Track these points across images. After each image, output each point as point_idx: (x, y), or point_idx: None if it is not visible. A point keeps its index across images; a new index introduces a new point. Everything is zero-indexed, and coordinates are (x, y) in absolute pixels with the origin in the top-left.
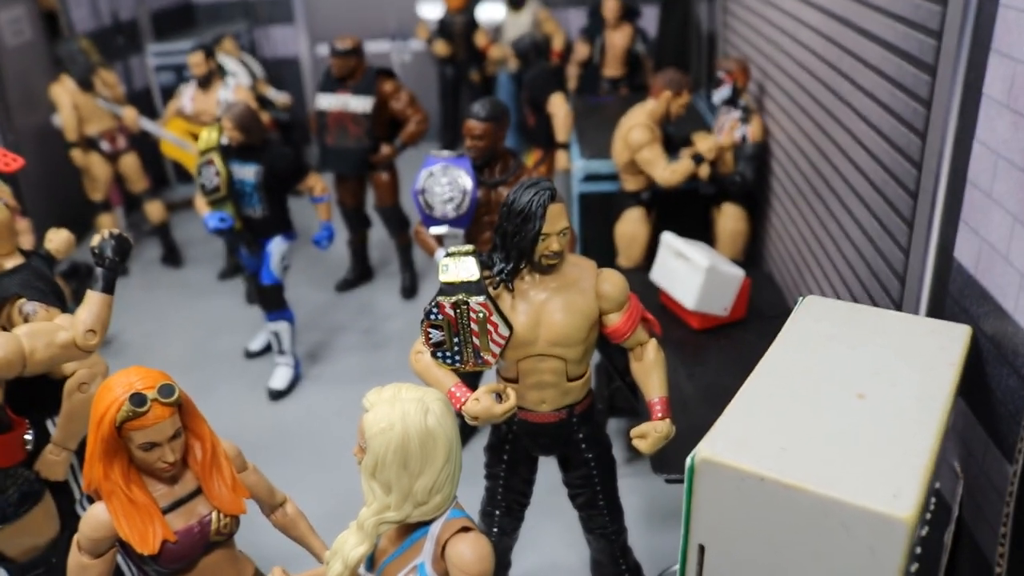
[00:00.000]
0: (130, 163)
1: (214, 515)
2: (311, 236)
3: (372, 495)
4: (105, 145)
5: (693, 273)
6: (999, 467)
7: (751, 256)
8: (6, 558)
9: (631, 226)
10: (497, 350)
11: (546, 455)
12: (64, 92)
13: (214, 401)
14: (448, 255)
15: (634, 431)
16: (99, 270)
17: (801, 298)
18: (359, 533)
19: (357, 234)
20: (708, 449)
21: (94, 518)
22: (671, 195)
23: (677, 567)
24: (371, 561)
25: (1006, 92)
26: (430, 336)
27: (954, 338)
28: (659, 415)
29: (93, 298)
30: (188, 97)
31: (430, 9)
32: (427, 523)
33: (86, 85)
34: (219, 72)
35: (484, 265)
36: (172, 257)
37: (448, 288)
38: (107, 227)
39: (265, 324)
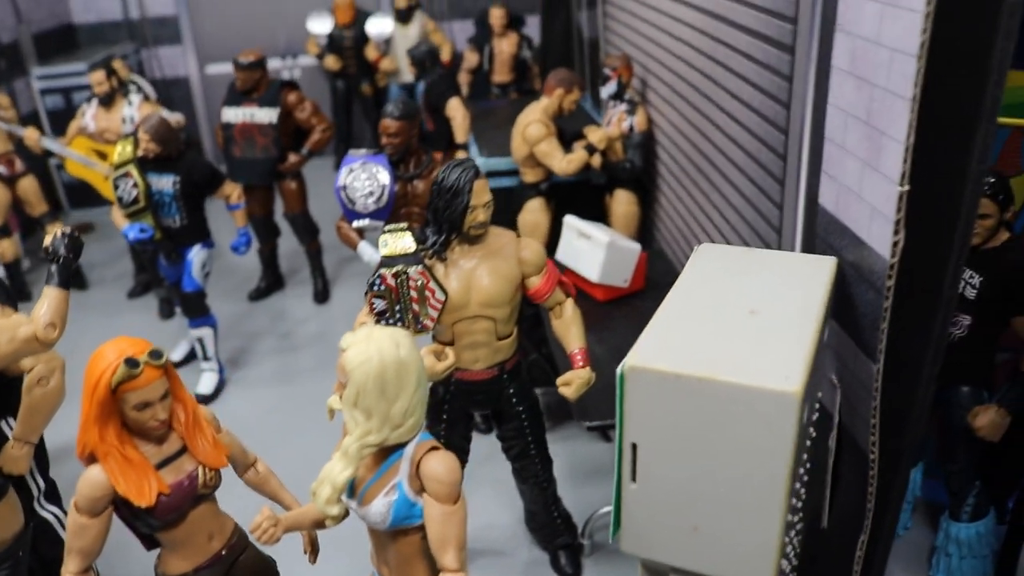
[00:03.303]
0: (28, 186)
1: (200, 470)
2: (225, 244)
3: (354, 423)
4: (2, 168)
5: (595, 249)
6: (866, 369)
7: (644, 236)
8: None
9: (533, 215)
10: (435, 314)
11: (481, 411)
12: None
13: None
14: (386, 232)
15: (560, 379)
16: (53, 267)
17: (697, 246)
18: (344, 459)
19: (267, 243)
20: (633, 358)
21: (91, 478)
22: (567, 185)
23: (605, 509)
24: (351, 490)
25: (849, 62)
26: (374, 305)
27: (823, 266)
28: (580, 364)
29: (51, 293)
30: (90, 116)
31: (319, 24)
32: (401, 447)
33: None
34: (121, 90)
35: (418, 240)
36: (76, 279)
37: (388, 261)
38: (9, 253)
39: (188, 332)
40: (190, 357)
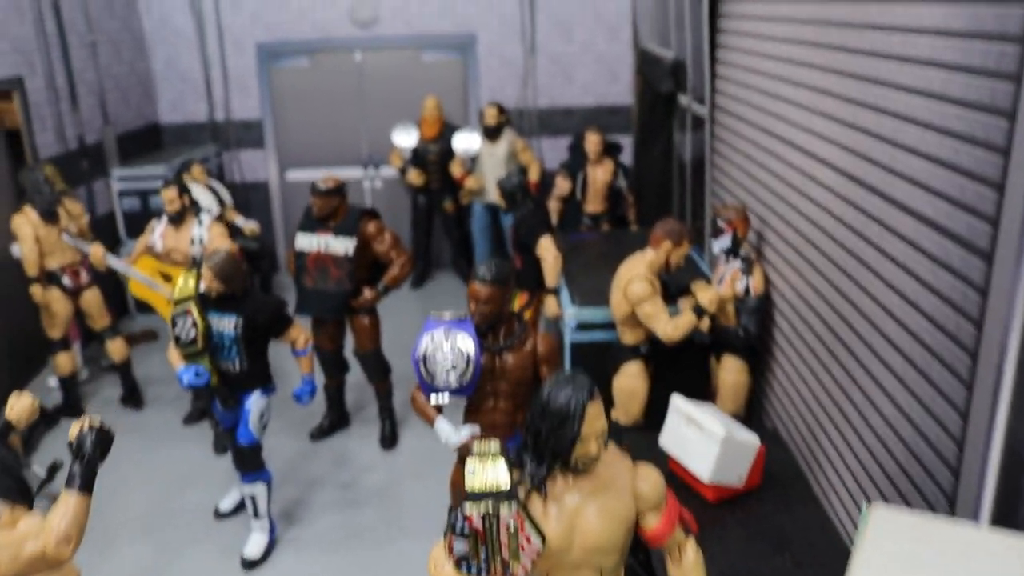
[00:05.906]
0: (92, 299)
1: None
2: (287, 383)
3: None
4: (67, 280)
5: (708, 442)
6: None
7: (753, 408)
8: None
9: (630, 381)
10: (528, 563)
11: None
12: (26, 224)
13: (180, 568)
14: (476, 456)
15: None
16: (76, 466)
17: (866, 505)
18: None
19: (334, 379)
20: None
21: None
22: (670, 346)
23: None
24: None
25: None
26: (454, 548)
27: None
28: None
29: (69, 500)
30: (159, 233)
31: (404, 137)
32: None
33: (50, 217)
34: (192, 209)
35: (512, 464)
36: (133, 398)
37: (476, 496)
38: (67, 367)
39: (240, 486)
40: (240, 507)
